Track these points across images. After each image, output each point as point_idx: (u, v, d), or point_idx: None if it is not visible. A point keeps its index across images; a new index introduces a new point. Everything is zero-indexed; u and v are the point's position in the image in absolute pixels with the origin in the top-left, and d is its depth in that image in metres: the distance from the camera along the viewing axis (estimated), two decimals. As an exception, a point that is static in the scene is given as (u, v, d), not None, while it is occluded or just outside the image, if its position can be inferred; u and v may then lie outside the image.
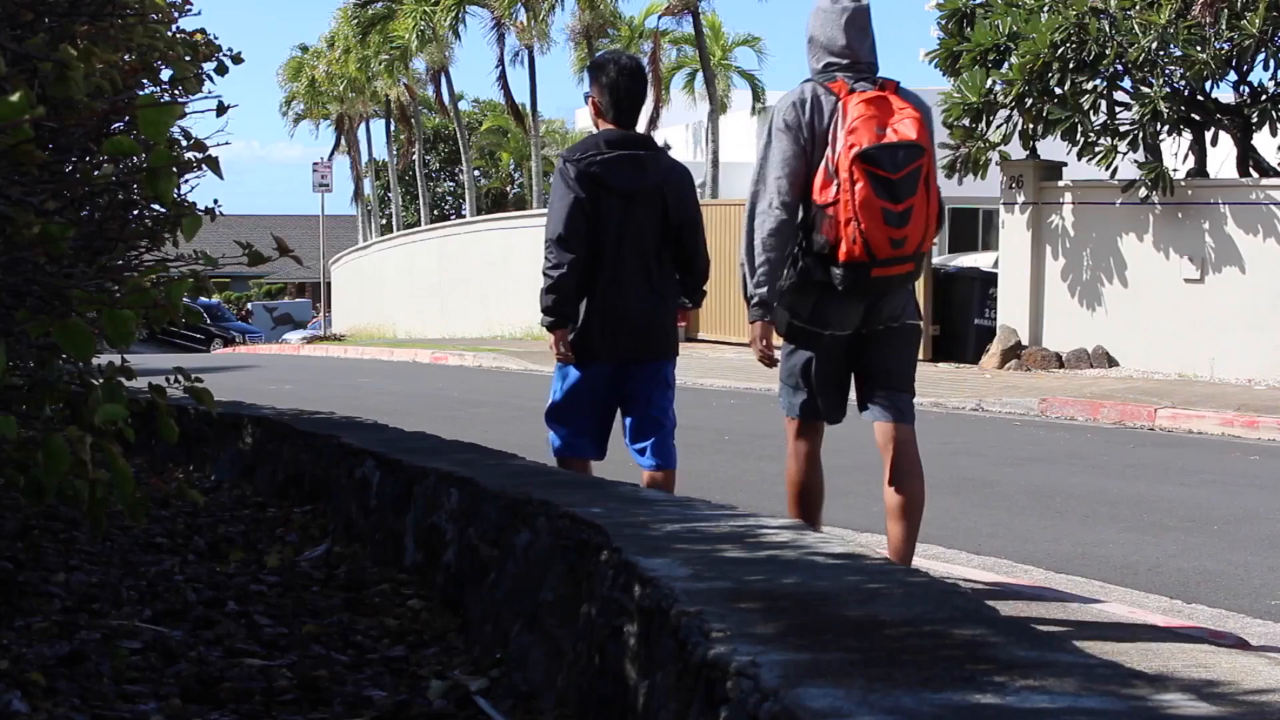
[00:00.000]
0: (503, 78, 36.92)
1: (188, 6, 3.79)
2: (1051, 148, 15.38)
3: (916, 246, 4.23)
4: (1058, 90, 14.12)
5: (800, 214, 4.30)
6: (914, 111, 4.27)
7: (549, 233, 4.84)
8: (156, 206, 3.49)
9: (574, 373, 4.94)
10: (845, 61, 4.36)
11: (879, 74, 4.41)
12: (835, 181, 4.18)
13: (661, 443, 4.98)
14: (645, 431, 4.98)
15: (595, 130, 5.00)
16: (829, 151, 4.22)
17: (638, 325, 4.88)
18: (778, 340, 4.51)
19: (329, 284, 38.26)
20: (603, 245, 4.83)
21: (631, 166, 4.85)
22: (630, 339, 4.88)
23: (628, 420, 5.03)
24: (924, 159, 4.22)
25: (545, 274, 4.82)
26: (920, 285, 16.84)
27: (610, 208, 4.82)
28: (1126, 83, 14.06)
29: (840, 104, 4.25)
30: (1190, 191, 13.96)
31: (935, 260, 17.83)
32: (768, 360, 4.50)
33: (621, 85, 4.90)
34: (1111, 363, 14.55)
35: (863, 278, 4.21)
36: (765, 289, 4.33)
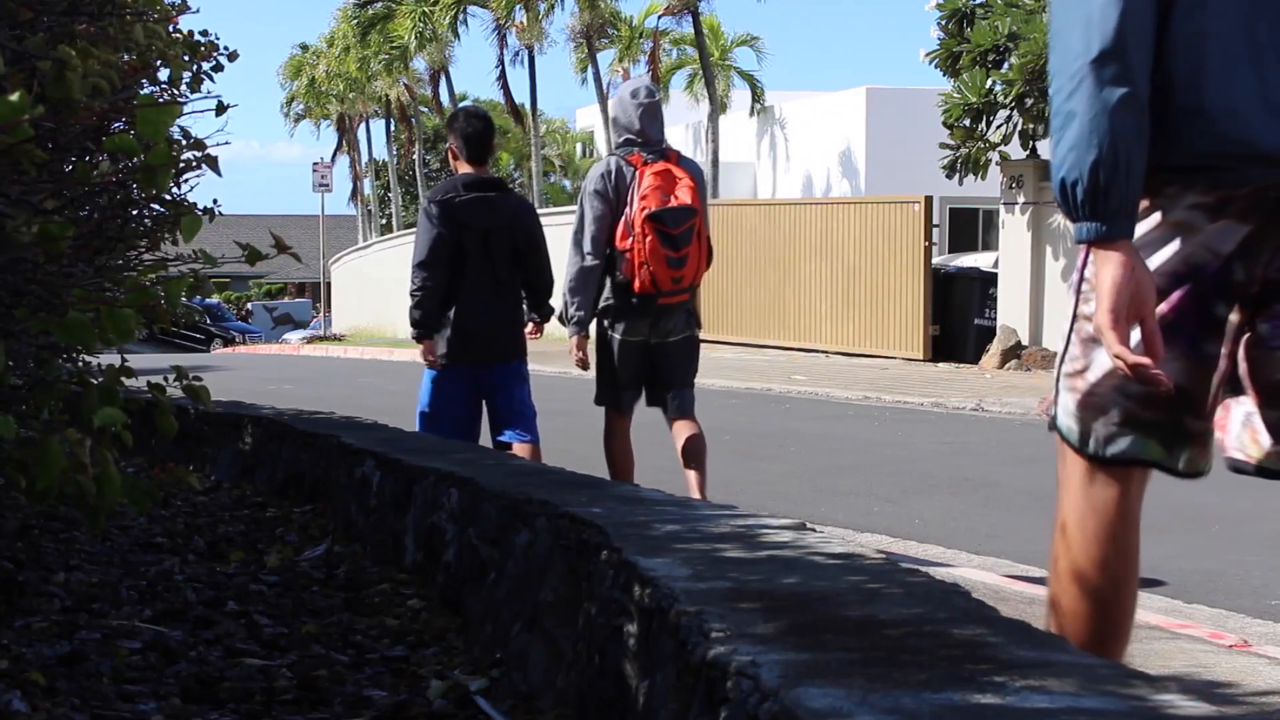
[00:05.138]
0: (503, 77, 36.96)
1: (186, 6, 3.78)
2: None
3: (690, 281, 5.64)
4: (1058, 90, 14.10)
5: (605, 257, 5.64)
6: (690, 181, 5.60)
7: (415, 260, 5.90)
8: (156, 206, 3.49)
9: (439, 378, 5.99)
10: (640, 140, 5.66)
11: (664, 145, 5.73)
12: (631, 234, 5.51)
13: (526, 424, 6.03)
14: (508, 420, 6.03)
15: (455, 173, 6.09)
16: (628, 210, 5.54)
17: (488, 334, 5.93)
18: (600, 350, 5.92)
19: (329, 284, 38.27)
20: (464, 270, 5.86)
21: (484, 207, 5.88)
22: (482, 344, 5.93)
23: (492, 411, 6.06)
24: (696, 218, 5.57)
25: (412, 294, 5.89)
26: (920, 285, 16.95)
27: (470, 240, 5.86)
28: (1126, 83, 14.05)
29: (636, 173, 5.56)
30: (1190, 191, 13.94)
31: (935, 260, 17.84)
32: (584, 365, 5.92)
33: (470, 128, 5.97)
34: (1111, 363, 14.54)
35: (651, 304, 5.61)
36: (582, 313, 5.72)
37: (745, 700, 1.69)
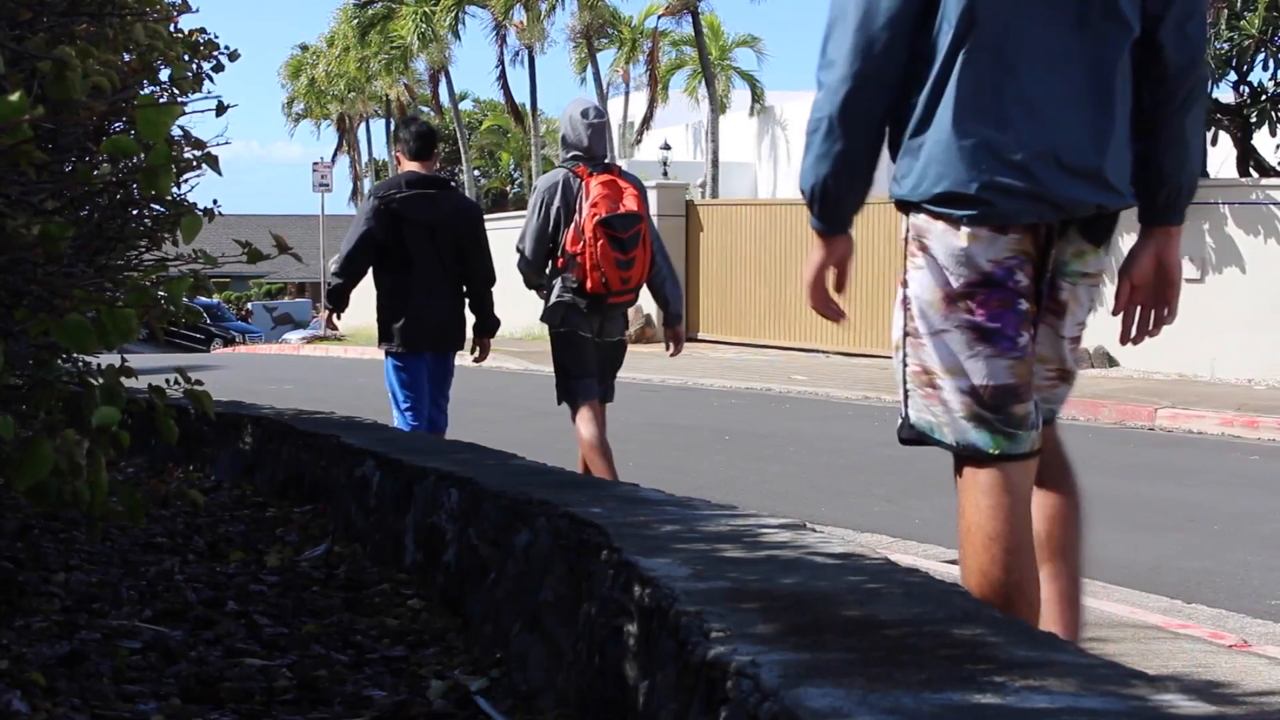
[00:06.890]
0: (503, 77, 36.98)
1: (187, 6, 3.78)
2: (1051, 148, 15.36)
3: (637, 282, 6.01)
4: (1057, 90, 14.12)
5: (548, 259, 6.04)
6: (634, 190, 6.00)
7: (342, 247, 6.47)
8: (156, 206, 3.49)
9: (401, 370, 6.41)
10: (586, 156, 6.04)
11: (607, 161, 6.15)
12: (582, 239, 5.87)
13: (440, 415, 6.56)
14: (435, 407, 6.50)
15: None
16: (578, 216, 5.90)
17: (437, 324, 6.40)
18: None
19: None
20: (413, 262, 6.32)
21: (424, 203, 6.31)
22: (432, 334, 6.40)
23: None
24: (642, 224, 5.94)
25: (332, 275, 6.54)
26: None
27: (414, 234, 6.30)
28: (1126, 83, 14.06)
29: (584, 184, 5.94)
30: (1190, 191, 13.94)
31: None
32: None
33: (411, 128, 6.53)
34: (1111, 363, 14.55)
35: (601, 303, 5.98)
36: (538, 287, 6.12)
37: (745, 700, 1.69)
